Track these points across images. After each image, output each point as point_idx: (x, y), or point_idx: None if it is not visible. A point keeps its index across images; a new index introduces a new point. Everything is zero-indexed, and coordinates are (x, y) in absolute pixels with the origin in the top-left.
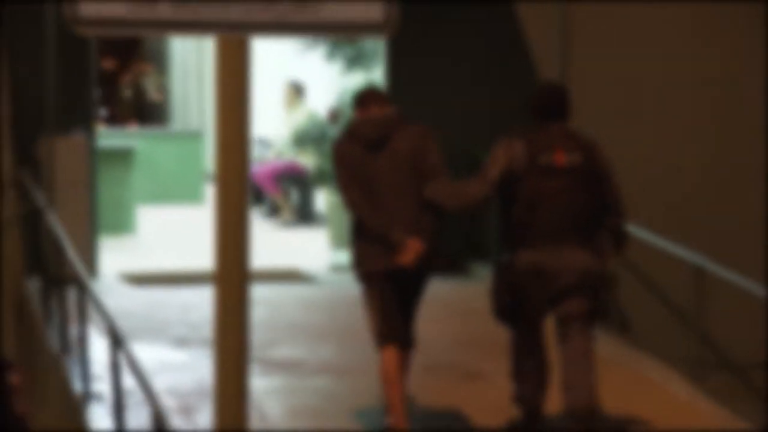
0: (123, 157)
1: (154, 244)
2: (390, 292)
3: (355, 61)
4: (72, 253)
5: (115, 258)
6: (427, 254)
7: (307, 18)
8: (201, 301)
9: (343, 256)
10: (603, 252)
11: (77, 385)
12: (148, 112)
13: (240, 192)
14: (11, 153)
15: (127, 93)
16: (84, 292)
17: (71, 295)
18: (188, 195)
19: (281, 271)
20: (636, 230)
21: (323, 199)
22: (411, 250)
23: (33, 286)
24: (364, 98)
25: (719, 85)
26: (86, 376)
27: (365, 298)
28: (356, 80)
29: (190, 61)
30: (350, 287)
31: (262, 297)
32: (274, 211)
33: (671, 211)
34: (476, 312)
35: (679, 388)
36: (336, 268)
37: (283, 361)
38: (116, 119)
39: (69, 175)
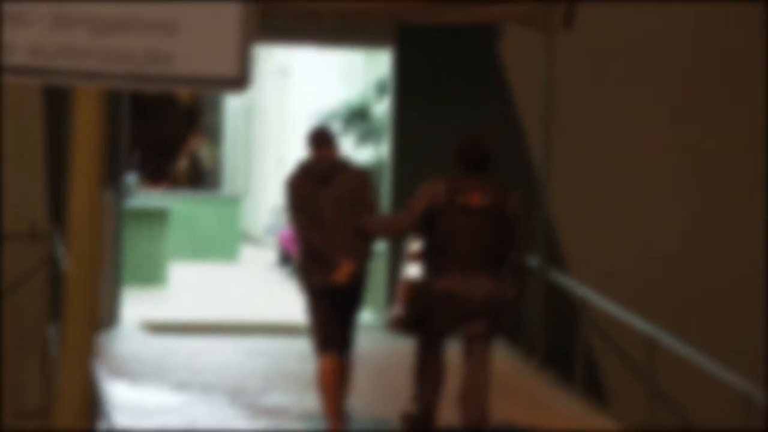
0: (158, 216)
1: (182, 296)
2: (328, 304)
3: (365, 137)
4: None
5: (141, 308)
6: (357, 273)
7: (162, 71)
8: (208, 349)
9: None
10: (506, 281)
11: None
12: (203, 177)
13: (91, 235)
14: (45, 207)
15: (185, 161)
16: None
17: None
18: (224, 253)
19: (286, 324)
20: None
21: None
22: (345, 269)
23: (53, 331)
24: (317, 140)
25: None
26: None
27: (308, 309)
28: (367, 153)
29: (239, 133)
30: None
31: (264, 348)
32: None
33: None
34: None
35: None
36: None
37: (271, 408)
38: (175, 183)
39: None
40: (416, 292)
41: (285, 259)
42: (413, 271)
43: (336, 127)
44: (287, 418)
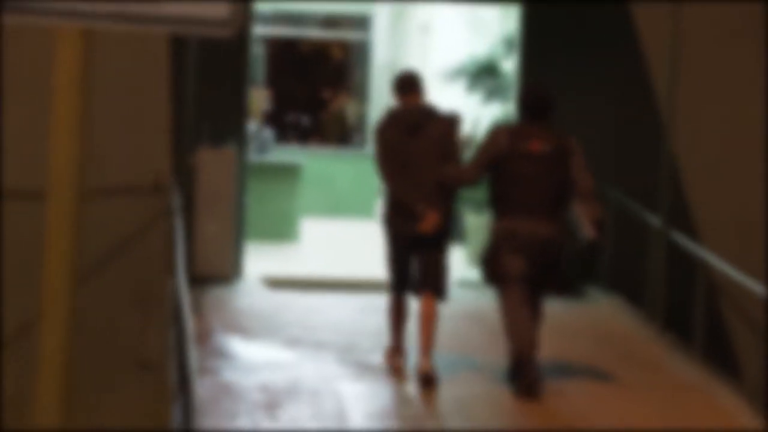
0: (290, 171)
1: (312, 252)
2: (406, 253)
3: (493, 94)
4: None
5: (269, 263)
6: (441, 223)
7: (148, 11)
8: (325, 305)
9: (474, 274)
10: (564, 225)
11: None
12: (348, 135)
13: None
14: (169, 160)
15: (332, 119)
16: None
17: (205, 293)
18: (362, 210)
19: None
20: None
21: (466, 220)
22: (430, 220)
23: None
24: (405, 86)
25: None
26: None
27: (388, 252)
28: (494, 111)
29: (384, 91)
30: (472, 303)
31: (381, 305)
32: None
33: None
34: (583, 333)
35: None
36: (464, 284)
37: (376, 367)
38: (322, 140)
39: (219, 184)
40: (487, 245)
41: None
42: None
43: (463, 83)
44: (391, 377)
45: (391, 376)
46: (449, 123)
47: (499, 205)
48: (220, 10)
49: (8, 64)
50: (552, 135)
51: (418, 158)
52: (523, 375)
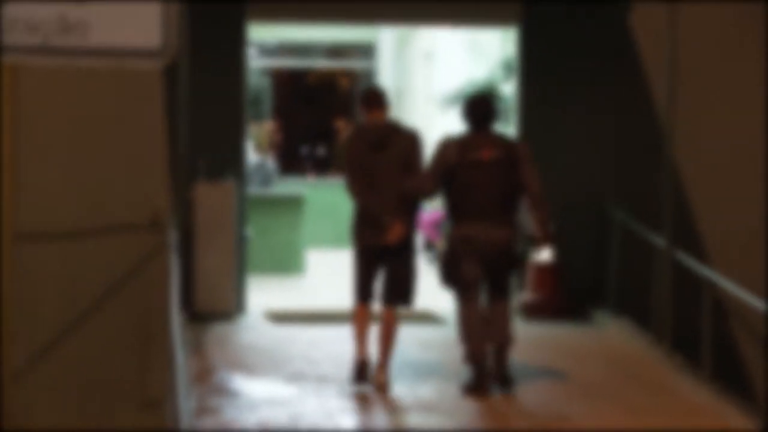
0: (294, 203)
1: (319, 284)
2: (373, 261)
3: None
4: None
5: (274, 297)
6: (405, 233)
7: (75, 43)
8: (330, 338)
9: None
10: (517, 227)
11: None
12: None
13: None
14: (167, 196)
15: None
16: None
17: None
18: None
19: (419, 312)
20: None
21: None
22: (396, 231)
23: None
24: (370, 101)
25: None
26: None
27: (354, 262)
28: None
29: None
30: None
31: None
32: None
33: None
34: (591, 357)
35: None
36: None
37: (382, 399)
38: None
39: (218, 218)
40: (444, 249)
41: (427, 245)
42: (543, 254)
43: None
44: (396, 410)
45: (396, 410)
46: (412, 139)
47: (455, 212)
48: (152, 40)
49: None
50: (500, 141)
51: (383, 172)
52: (476, 374)
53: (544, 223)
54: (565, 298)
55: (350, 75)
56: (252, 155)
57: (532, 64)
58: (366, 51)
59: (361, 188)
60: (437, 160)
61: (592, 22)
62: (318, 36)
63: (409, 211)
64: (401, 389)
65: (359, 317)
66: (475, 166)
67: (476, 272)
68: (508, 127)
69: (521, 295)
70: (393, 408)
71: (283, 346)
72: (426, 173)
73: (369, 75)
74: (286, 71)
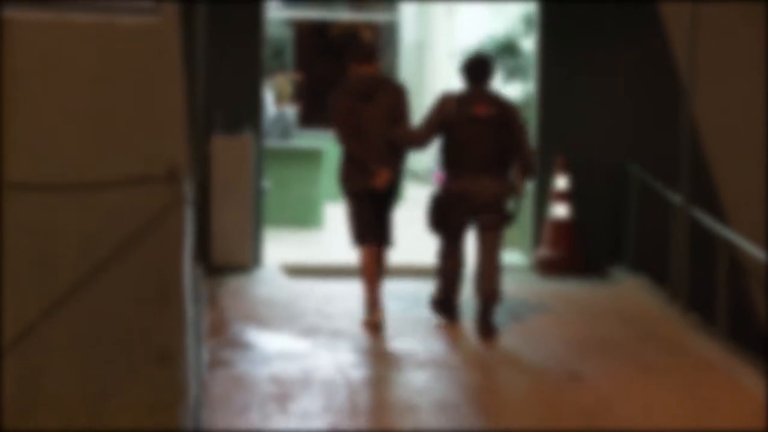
0: (312, 156)
1: (335, 238)
2: (366, 205)
3: (513, 73)
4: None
5: (291, 250)
6: (392, 180)
7: None
8: (344, 292)
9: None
10: (509, 181)
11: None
12: None
13: None
14: (184, 150)
15: None
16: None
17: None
18: None
19: (429, 267)
20: None
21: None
22: (383, 177)
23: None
24: (361, 56)
25: None
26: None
27: (348, 209)
28: (515, 89)
29: (413, 70)
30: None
31: (402, 292)
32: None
33: None
34: (607, 314)
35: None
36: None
37: (392, 354)
38: None
39: (235, 171)
40: (433, 197)
41: None
42: (560, 211)
43: (460, 63)
44: (405, 365)
45: (405, 365)
46: (399, 91)
47: (451, 167)
48: None
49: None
50: (494, 99)
51: (370, 122)
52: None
53: (520, 178)
54: (582, 255)
55: (373, 27)
56: (271, 107)
57: (553, 19)
58: (389, 4)
59: (348, 136)
60: (436, 113)
61: None
62: None
63: (396, 160)
64: (414, 344)
65: (366, 261)
66: (472, 122)
67: (464, 223)
68: (527, 83)
69: (538, 251)
70: (405, 363)
71: (299, 300)
72: (422, 125)
73: (392, 28)
74: (308, 23)
